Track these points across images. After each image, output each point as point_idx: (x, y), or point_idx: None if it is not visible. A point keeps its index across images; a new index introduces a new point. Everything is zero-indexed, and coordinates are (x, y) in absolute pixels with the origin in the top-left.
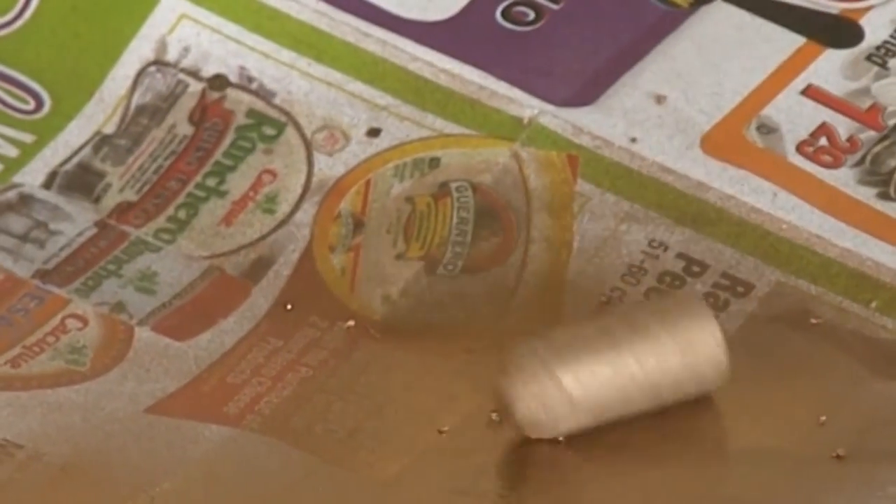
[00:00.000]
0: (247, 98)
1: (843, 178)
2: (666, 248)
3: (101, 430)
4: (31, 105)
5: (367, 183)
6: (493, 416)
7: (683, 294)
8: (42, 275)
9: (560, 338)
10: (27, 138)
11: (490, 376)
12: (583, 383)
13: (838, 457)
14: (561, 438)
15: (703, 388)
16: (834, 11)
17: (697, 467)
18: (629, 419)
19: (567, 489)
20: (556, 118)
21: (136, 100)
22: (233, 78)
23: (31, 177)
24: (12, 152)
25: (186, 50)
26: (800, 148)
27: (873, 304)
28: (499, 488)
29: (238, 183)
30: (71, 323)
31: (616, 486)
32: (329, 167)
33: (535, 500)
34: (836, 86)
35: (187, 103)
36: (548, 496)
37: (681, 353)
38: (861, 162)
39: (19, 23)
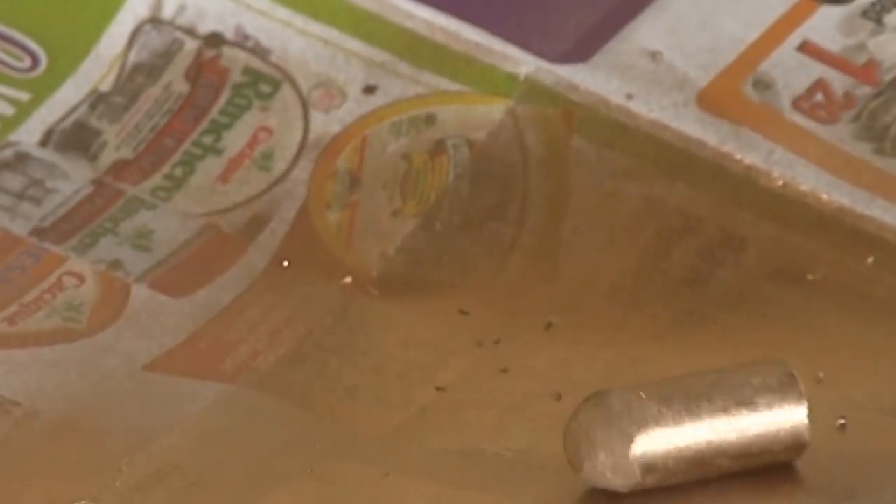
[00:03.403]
0: (243, 56)
1: (840, 134)
2: (663, 204)
3: (97, 388)
4: (28, 63)
5: (364, 140)
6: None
7: (772, 365)
8: (39, 232)
9: (637, 393)
10: (23, 96)
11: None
12: (655, 441)
13: (841, 427)
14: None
15: (785, 457)
16: None
17: None
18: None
19: None
20: (551, 75)
21: (133, 57)
22: (229, 35)
23: (28, 135)
24: (8, 110)
25: (182, 7)
26: (796, 104)
27: (869, 260)
28: (497, 447)
29: (234, 140)
30: (68, 280)
31: None
32: (325, 124)
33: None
34: (833, 41)
35: (183, 61)
36: None
37: (764, 437)
38: (857, 118)
39: None
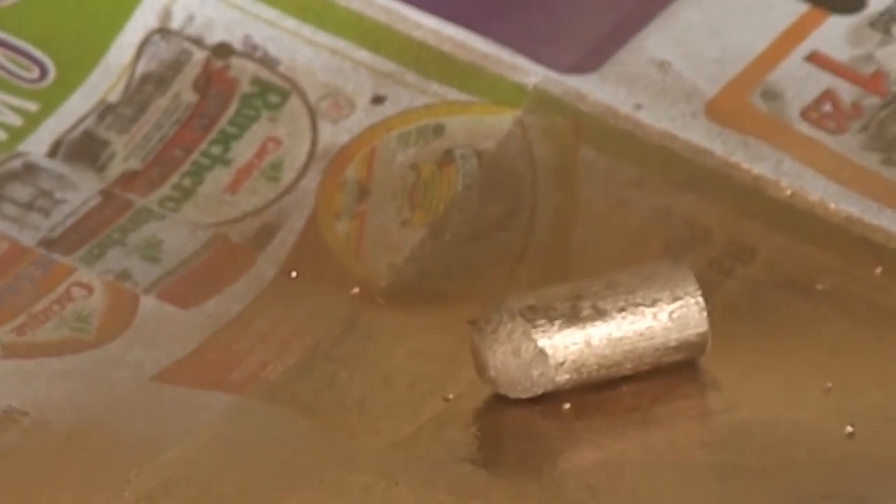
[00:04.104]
0: (251, 66)
1: (848, 145)
2: (671, 215)
3: (106, 398)
4: (36, 74)
5: (372, 150)
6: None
7: (669, 261)
8: (47, 243)
9: (538, 297)
10: (32, 107)
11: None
12: (557, 343)
13: (850, 434)
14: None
15: (686, 354)
16: None
17: (681, 431)
18: (612, 381)
19: (543, 449)
20: (560, 85)
21: (141, 68)
22: (237, 46)
23: (36, 145)
24: (17, 121)
25: (191, 18)
26: (804, 114)
27: (878, 270)
28: (501, 456)
29: (243, 151)
30: (76, 291)
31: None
32: (333, 135)
33: (513, 466)
34: (841, 52)
35: (192, 71)
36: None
37: (662, 318)
38: (866, 128)
39: None
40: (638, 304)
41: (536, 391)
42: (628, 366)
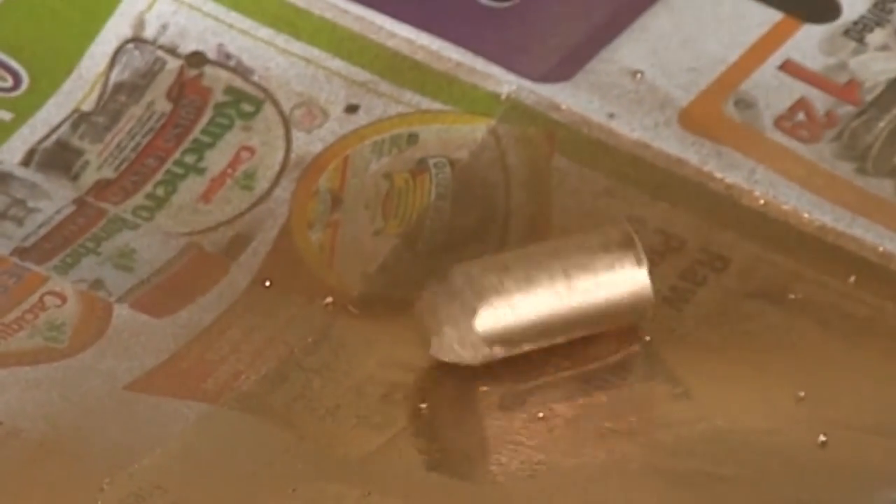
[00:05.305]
0: (225, 75)
1: (822, 154)
2: (644, 224)
3: (79, 408)
4: (9, 82)
5: (345, 159)
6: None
7: (611, 226)
8: (20, 252)
9: (479, 265)
10: (5, 116)
11: None
12: (497, 310)
13: (822, 444)
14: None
15: (629, 318)
16: None
17: (654, 440)
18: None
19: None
20: (533, 94)
21: (115, 77)
22: (211, 55)
23: (10, 154)
24: None
25: (164, 27)
26: (778, 123)
27: (852, 279)
28: (476, 466)
29: (216, 160)
30: (49, 300)
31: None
32: (307, 144)
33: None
34: (814, 61)
35: (165, 80)
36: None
37: (603, 283)
38: (839, 137)
39: None
40: (575, 269)
41: (475, 362)
42: (570, 337)
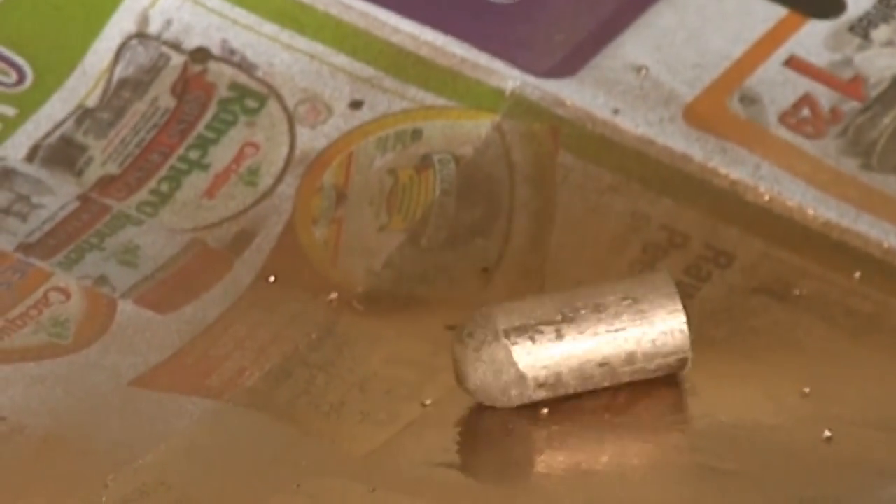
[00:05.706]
0: (229, 71)
1: (826, 149)
2: (649, 220)
3: (83, 403)
4: (14, 78)
5: (350, 155)
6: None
7: (654, 277)
8: (25, 248)
9: (520, 309)
10: (9, 111)
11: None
12: (538, 365)
13: (827, 439)
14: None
15: (665, 371)
16: None
17: (659, 436)
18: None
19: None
20: (537, 90)
21: (119, 73)
22: (215, 51)
23: (14, 150)
24: None
25: (168, 23)
26: (782, 119)
27: (856, 275)
28: (479, 461)
29: (220, 156)
30: (54, 296)
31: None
32: (311, 140)
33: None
34: (819, 57)
35: (169, 76)
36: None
37: (644, 339)
38: (844, 133)
39: None
40: (621, 330)
41: (513, 404)
42: (605, 384)
